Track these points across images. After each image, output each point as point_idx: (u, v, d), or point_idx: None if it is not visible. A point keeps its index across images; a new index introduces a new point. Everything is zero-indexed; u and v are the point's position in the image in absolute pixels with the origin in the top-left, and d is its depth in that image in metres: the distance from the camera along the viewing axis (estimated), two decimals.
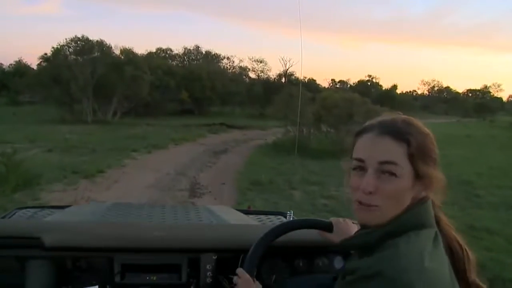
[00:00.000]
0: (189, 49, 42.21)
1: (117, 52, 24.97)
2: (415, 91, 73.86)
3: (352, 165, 1.01)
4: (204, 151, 13.76)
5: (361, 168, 0.98)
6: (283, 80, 38.11)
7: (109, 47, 24.11)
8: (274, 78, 38.85)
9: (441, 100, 72.21)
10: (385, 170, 0.95)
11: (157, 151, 13.09)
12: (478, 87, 71.51)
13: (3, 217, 2.09)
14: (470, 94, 73.51)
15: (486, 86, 72.15)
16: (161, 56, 38.03)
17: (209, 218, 2.11)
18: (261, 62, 42.50)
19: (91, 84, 22.72)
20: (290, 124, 15.65)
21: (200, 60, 40.93)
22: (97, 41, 23.33)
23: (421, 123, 1.01)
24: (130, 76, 22.56)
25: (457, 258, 1.02)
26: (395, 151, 0.95)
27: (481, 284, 1.03)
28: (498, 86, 72.55)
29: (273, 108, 18.59)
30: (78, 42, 22.89)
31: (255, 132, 22.22)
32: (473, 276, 1.02)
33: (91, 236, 1.50)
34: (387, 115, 1.04)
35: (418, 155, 0.95)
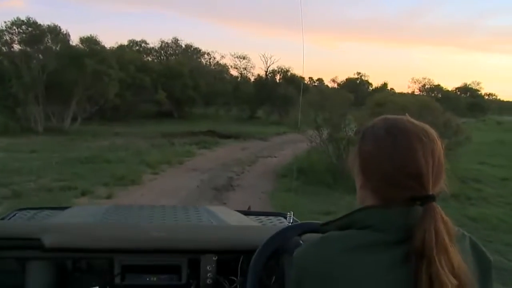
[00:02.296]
0: (167, 43, 36.96)
1: (78, 42, 19.67)
2: (412, 92, 70.65)
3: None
4: (199, 188, 8.82)
5: None
6: (277, 78, 33.16)
7: (66, 35, 18.82)
8: (268, 75, 33.89)
9: (433, 99, 68.82)
10: None
11: (123, 191, 8.13)
12: (458, 85, 69.35)
13: (3, 219, 2.07)
14: (459, 92, 70.96)
15: (466, 84, 70.61)
16: (134, 50, 32.70)
17: (209, 219, 2.08)
18: (243, 58, 37.75)
19: (42, 82, 17.47)
20: (323, 137, 10.89)
21: (179, 55, 35.73)
22: (48, 26, 17.99)
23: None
24: (92, 71, 17.30)
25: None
26: None
27: None
28: (478, 84, 71.27)
29: (291, 113, 13.81)
30: (23, 27, 17.52)
31: (256, 143, 17.32)
32: None
33: (91, 237, 1.50)
34: (390, 116, 0.99)
35: (363, 161, 0.97)
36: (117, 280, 1.46)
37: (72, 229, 1.58)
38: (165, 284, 1.49)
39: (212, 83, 31.68)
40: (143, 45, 34.71)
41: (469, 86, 70.51)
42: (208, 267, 1.49)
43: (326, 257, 0.89)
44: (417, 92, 70.24)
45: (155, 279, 1.48)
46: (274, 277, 1.41)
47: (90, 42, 19.23)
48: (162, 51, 37.03)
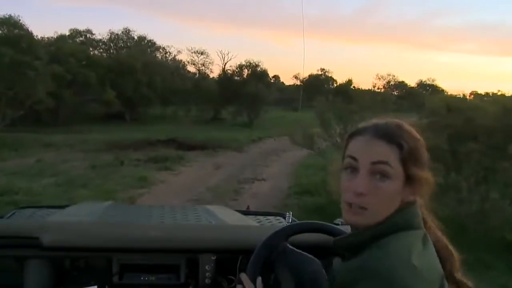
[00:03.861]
0: (117, 34, 32.38)
1: None
2: (379, 88, 69.13)
3: (344, 164, 1.01)
4: None
5: (353, 168, 0.98)
6: (244, 73, 29.29)
7: None
8: (234, 71, 29.93)
9: (397, 96, 68.10)
10: (377, 170, 0.95)
11: None
12: (413, 83, 68.69)
13: (1, 217, 2.03)
14: (421, 89, 70.26)
15: (422, 81, 69.60)
16: (77, 41, 28.02)
17: (208, 218, 2.07)
18: (202, 54, 33.92)
19: None
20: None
21: (131, 48, 31.28)
22: None
23: (412, 128, 1.01)
24: (9, 63, 12.94)
25: (444, 258, 1.01)
26: (388, 154, 0.96)
27: (467, 282, 1.03)
28: (433, 81, 69.67)
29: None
30: None
31: (231, 157, 13.56)
32: (459, 275, 1.03)
33: (89, 236, 1.50)
34: (380, 119, 1.03)
35: (410, 159, 0.96)
36: (116, 279, 1.45)
37: (70, 228, 1.58)
38: (164, 283, 1.49)
39: (169, 80, 27.63)
40: (88, 35, 29.92)
41: (425, 82, 70.09)
42: (207, 266, 1.48)
43: (408, 265, 0.87)
44: (381, 89, 68.92)
45: (153, 278, 1.48)
46: (272, 276, 1.35)
47: (8, 25, 14.65)
48: (111, 44, 32.49)
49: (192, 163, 11.76)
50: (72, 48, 22.66)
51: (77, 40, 28.56)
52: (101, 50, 31.46)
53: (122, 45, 32.63)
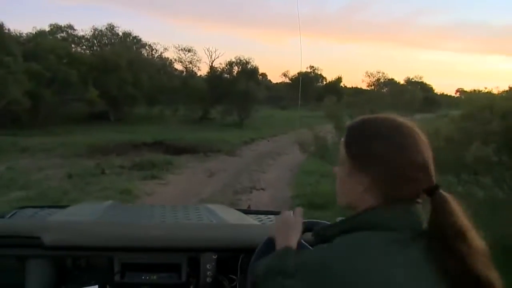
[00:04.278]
0: (101, 31, 30.94)
1: None
2: (368, 86, 68.70)
3: None
4: None
5: None
6: (234, 71, 28.10)
7: None
8: (224, 69, 28.71)
9: (387, 94, 67.74)
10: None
11: None
12: (401, 81, 68.50)
13: (3, 217, 2.01)
14: (409, 86, 70.05)
15: (409, 79, 69.08)
16: (58, 38, 26.59)
17: (209, 217, 2.05)
18: (189, 51, 32.16)
19: None
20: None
21: (116, 45, 29.91)
22: None
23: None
24: None
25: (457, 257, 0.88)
26: (343, 144, 1.02)
27: (492, 279, 0.89)
28: (420, 79, 69.69)
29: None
30: None
31: (223, 162, 12.51)
32: (485, 270, 0.89)
33: (91, 236, 1.51)
34: (385, 115, 1.02)
35: (352, 143, 0.99)
36: (117, 278, 1.45)
37: (72, 227, 1.58)
38: (165, 282, 1.48)
39: (155, 78, 26.40)
40: (69, 31, 28.48)
41: (413, 80, 69.77)
42: (208, 265, 1.48)
43: (346, 262, 0.86)
44: (372, 87, 68.34)
45: (155, 277, 1.47)
46: None
47: None
48: (95, 40, 31.07)
49: (182, 170, 10.67)
50: (52, 45, 21.36)
51: (58, 36, 27.13)
52: (84, 47, 30.02)
53: (106, 42, 31.23)
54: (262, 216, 2.28)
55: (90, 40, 30.71)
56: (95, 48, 30.26)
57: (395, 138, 0.94)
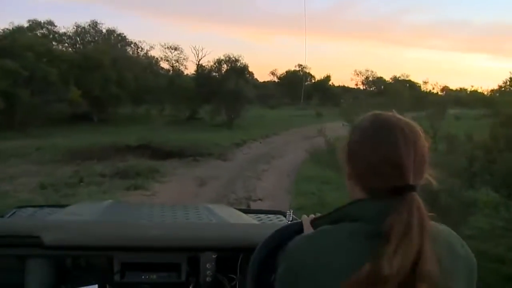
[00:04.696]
0: (83, 27, 29.68)
1: None
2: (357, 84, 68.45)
3: None
4: None
5: None
6: (223, 68, 27.05)
7: None
8: (212, 67, 27.60)
9: (375, 93, 67.72)
10: None
11: None
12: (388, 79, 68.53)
13: (2, 216, 2.01)
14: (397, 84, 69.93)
15: (396, 77, 70.16)
16: (38, 35, 25.32)
17: (209, 217, 2.05)
18: (175, 49, 30.90)
19: None
20: None
21: (100, 43, 28.66)
22: None
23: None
24: None
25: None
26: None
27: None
28: (407, 77, 70.75)
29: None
30: None
31: (215, 167, 11.54)
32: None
33: (90, 235, 1.51)
34: (378, 112, 1.04)
35: (347, 150, 1.01)
36: (117, 277, 1.45)
37: (71, 227, 1.58)
38: (165, 282, 1.49)
39: (141, 76, 25.29)
40: (50, 28, 27.21)
41: (399, 78, 69.68)
42: (208, 265, 1.48)
43: (319, 248, 0.91)
44: (360, 85, 68.01)
45: (154, 277, 1.48)
46: (273, 275, 1.30)
47: None
48: (78, 38, 29.79)
49: (169, 178, 9.68)
50: (30, 41, 20.20)
51: (38, 33, 25.86)
52: (66, 45, 28.77)
53: (90, 39, 29.99)
54: (262, 216, 2.25)
55: (73, 37, 29.46)
56: (78, 46, 29.04)
57: (371, 132, 0.96)
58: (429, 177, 0.97)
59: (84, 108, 22.33)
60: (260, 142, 17.40)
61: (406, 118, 0.99)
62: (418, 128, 0.97)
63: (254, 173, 10.54)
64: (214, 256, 1.48)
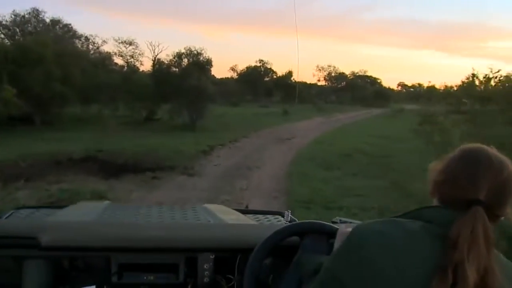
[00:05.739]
0: (23, 16, 26.30)
1: None
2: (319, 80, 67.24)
3: None
4: None
5: None
6: (184, 63, 24.41)
7: None
8: (171, 61, 24.87)
9: (338, 89, 67.03)
10: None
11: None
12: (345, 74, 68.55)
13: (0, 217, 1.98)
14: (359, 80, 69.83)
15: (354, 73, 70.79)
16: None
17: (207, 217, 2.03)
18: (130, 44, 28.20)
19: None
20: None
21: (41, 34, 25.40)
22: None
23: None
24: None
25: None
26: None
27: None
28: (365, 73, 72.32)
29: None
30: None
31: (179, 184, 9.18)
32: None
33: (88, 236, 1.49)
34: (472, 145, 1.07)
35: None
36: (114, 278, 1.44)
37: (69, 228, 1.56)
38: (163, 282, 1.47)
39: (91, 73, 22.42)
40: None
41: (357, 74, 69.74)
42: (206, 265, 1.47)
43: (388, 232, 0.94)
44: (323, 81, 66.99)
45: (152, 277, 1.46)
46: (271, 276, 1.36)
47: None
48: (16, 28, 26.42)
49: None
50: None
51: None
52: (3, 36, 25.38)
53: (31, 30, 26.67)
54: (260, 216, 2.22)
55: (11, 27, 26.11)
56: (17, 37, 25.72)
57: (455, 165, 1.01)
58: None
59: (26, 109, 19.31)
60: (230, 148, 15.15)
61: (501, 155, 1.00)
62: (508, 162, 0.99)
63: (231, 195, 8.31)
64: (212, 257, 1.48)
